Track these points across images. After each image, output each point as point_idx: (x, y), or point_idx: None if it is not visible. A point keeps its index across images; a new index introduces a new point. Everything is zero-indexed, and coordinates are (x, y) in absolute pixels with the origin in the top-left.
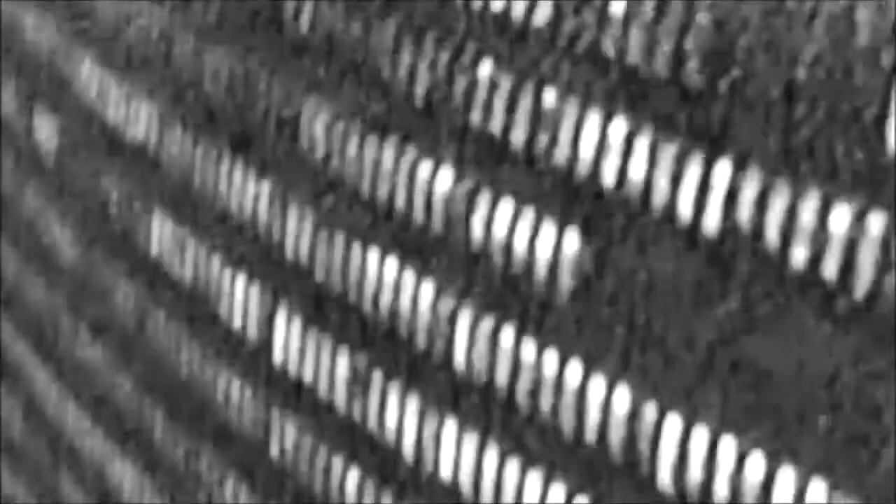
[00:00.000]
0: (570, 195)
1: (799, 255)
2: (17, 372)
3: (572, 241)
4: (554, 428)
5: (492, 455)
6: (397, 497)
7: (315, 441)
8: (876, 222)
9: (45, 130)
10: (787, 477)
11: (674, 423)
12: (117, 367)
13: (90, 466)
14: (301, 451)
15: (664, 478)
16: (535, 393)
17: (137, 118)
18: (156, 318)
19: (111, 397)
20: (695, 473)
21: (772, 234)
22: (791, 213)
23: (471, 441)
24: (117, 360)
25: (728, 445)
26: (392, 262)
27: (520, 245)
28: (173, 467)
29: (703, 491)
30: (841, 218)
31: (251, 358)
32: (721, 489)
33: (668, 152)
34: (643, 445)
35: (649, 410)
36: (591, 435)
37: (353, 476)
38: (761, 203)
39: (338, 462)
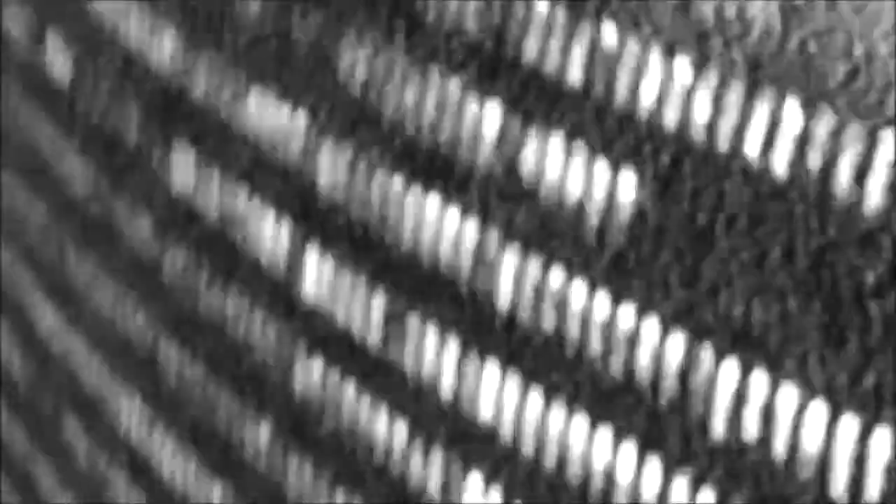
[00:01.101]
0: (628, 136)
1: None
2: (18, 308)
3: (628, 181)
4: (602, 372)
5: (535, 398)
6: (429, 439)
7: (342, 379)
8: None
9: (59, 58)
10: (850, 424)
11: (730, 368)
12: (129, 301)
13: (95, 406)
14: (327, 388)
15: (718, 426)
16: (584, 336)
17: (160, 45)
18: (174, 253)
19: (121, 333)
20: (751, 422)
21: (841, 177)
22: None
23: (513, 383)
24: (130, 295)
25: (789, 394)
26: (434, 199)
27: (573, 184)
28: (186, 402)
29: (760, 443)
30: None
31: (278, 294)
32: (780, 441)
33: (735, 94)
34: (698, 392)
35: (705, 355)
36: (642, 378)
37: (383, 415)
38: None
39: (366, 400)
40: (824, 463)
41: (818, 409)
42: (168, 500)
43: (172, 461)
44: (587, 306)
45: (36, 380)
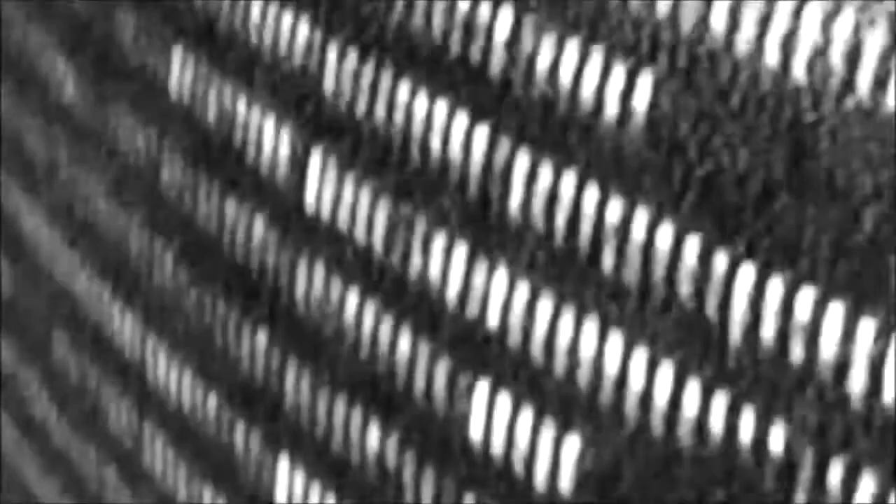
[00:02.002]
0: (644, 39)
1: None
2: (9, 221)
3: (645, 85)
4: (615, 280)
5: (545, 304)
6: (436, 345)
7: (344, 286)
8: None
9: None
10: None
11: (747, 273)
12: (123, 210)
13: (86, 319)
14: (330, 296)
15: (735, 332)
16: (596, 243)
17: None
18: (171, 160)
19: (114, 243)
20: (769, 328)
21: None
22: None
23: (524, 289)
24: (124, 204)
25: (806, 295)
26: (443, 104)
27: (587, 91)
28: (182, 312)
29: (778, 342)
30: None
31: (279, 202)
32: (797, 344)
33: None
34: (713, 296)
35: (720, 261)
36: (657, 285)
37: (387, 323)
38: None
39: (371, 308)
40: (843, 366)
41: (836, 311)
42: (162, 411)
43: (166, 373)
44: (600, 212)
45: (25, 295)
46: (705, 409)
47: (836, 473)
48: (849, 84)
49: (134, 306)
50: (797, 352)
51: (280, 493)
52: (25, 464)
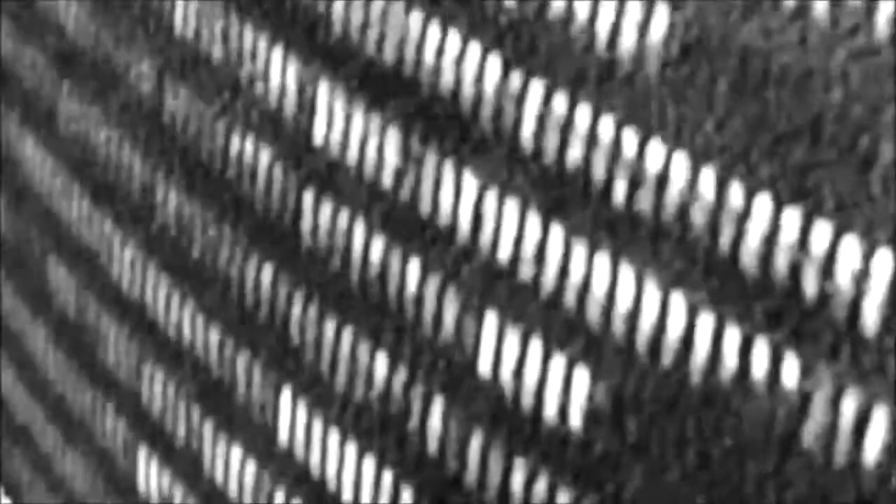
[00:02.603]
0: None
1: None
2: (6, 154)
3: (661, 17)
4: (630, 212)
5: (557, 233)
6: (445, 278)
7: (351, 220)
8: None
9: None
10: (821, 231)
11: (763, 204)
12: (126, 145)
13: (84, 252)
14: (336, 230)
15: (749, 260)
16: (609, 174)
17: None
18: (176, 91)
19: (117, 176)
20: (783, 258)
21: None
22: None
23: (534, 220)
24: (128, 137)
25: (821, 228)
26: (455, 34)
27: (603, 25)
28: (185, 245)
29: (791, 275)
30: None
31: (287, 136)
32: (810, 277)
33: None
34: (728, 227)
35: (734, 193)
36: (671, 218)
37: (396, 255)
38: None
39: (379, 242)
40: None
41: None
42: (163, 347)
43: (168, 306)
44: (615, 141)
45: (20, 228)
46: (717, 343)
47: (849, 408)
48: None
49: (135, 238)
50: (811, 285)
51: (283, 429)
52: (23, 405)
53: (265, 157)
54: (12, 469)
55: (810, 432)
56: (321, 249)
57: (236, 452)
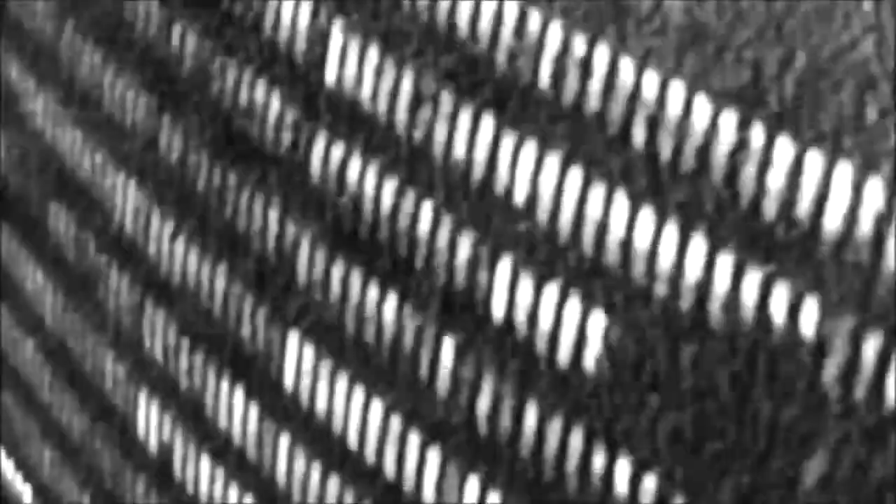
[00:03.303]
0: None
1: None
2: (7, 97)
3: None
4: (647, 152)
5: (574, 175)
6: (458, 219)
7: (364, 161)
8: None
9: None
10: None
11: (784, 146)
12: (131, 87)
13: (85, 195)
14: (346, 171)
15: (770, 203)
16: (628, 116)
17: None
18: (184, 33)
19: (120, 120)
20: (805, 202)
21: None
22: None
23: (553, 162)
24: (132, 76)
25: (843, 169)
26: None
27: None
28: (188, 187)
29: (813, 218)
30: None
31: (297, 76)
32: (832, 218)
33: None
34: (749, 169)
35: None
36: (690, 160)
37: (410, 196)
38: None
39: (391, 182)
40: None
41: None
42: (166, 290)
43: (172, 249)
44: (635, 84)
45: (21, 172)
46: (737, 284)
47: (870, 350)
48: None
49: (138, 180)
50: (832, 226)
51: (288, 373)
52: (20, 351)
53: (275, 97)
54: (8, 418)
55: (830, 373)
56: (330, 189)
57: (240, 396)
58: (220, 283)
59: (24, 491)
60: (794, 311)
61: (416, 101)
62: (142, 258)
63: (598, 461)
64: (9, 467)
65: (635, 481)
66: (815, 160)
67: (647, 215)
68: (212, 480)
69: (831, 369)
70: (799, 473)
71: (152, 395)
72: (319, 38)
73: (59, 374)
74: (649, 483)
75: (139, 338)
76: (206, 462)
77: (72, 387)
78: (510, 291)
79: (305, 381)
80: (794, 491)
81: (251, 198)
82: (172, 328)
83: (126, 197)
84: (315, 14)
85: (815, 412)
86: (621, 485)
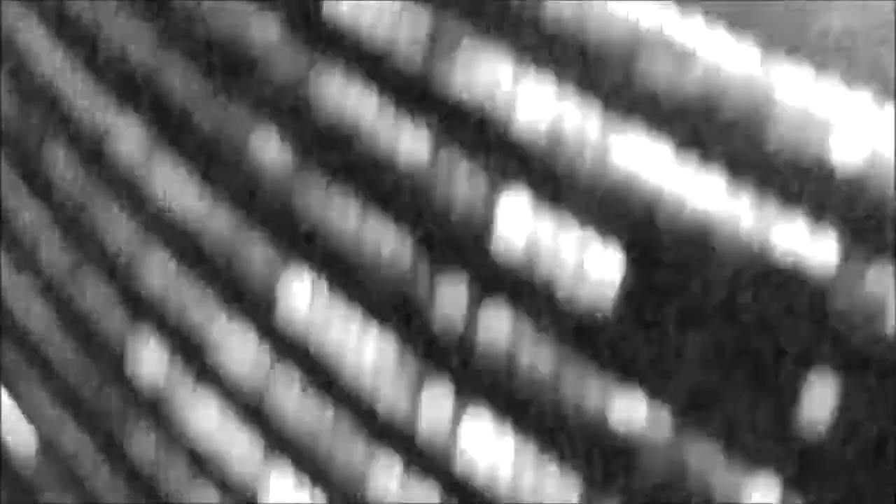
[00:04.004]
0: None
1: None
2: (7, 36)
3: None
4: (659, 89)
5: (595, 124)
6: (461, 150)
7: (363, 90)
8: None
9: None
10: None
11: (801, 75)
12: (134, 24)
13: (84, 132)
14: (347, 101)
15: (780, 137)
16: (632, 47)
17: None
18: None
19: (122, 57)
20: (816, 134)
21: None
22: None
23: (573, 103)
24: (135, 17)
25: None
26: None
27: None
28: (194, 123)
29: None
30: None
31: (295, 5)
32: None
33: None
34: (766, 105)
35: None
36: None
37: (408, 127)
38: None
39: (389, 112)
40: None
41: None
42: (167, 227)
43: (173, 184)
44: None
45: (20, 110)
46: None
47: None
48: None
49: (139, 116)
50: (846, 161)
51: (286, 305)
52: (15, 290)
53: (274, 29)
54: (6, 361)
55: (839, 303)
56: (332, 121)
57: (237, 329)
58: (221, 216)
59: (27, 432)
60: (805, 243)
61: (417, 34)
62: (143, 193)
63: (620, 402)
64: (11, 410)
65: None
66: (829, 86)
67: (664, 149)
68: (209, 418)
69: (842, 298)
70: (801, 389)
71: (149, 331)
72: None
73: (54, 312)
74: (665, 417)
75: (136, 273)
76: (204, 399)
77: (67, 324)
78: (514, 229)
79: (302, 313)
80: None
81: (251, 130)
82: (171, 263)
83: (126, 133)
84: None
85: (821, 332)
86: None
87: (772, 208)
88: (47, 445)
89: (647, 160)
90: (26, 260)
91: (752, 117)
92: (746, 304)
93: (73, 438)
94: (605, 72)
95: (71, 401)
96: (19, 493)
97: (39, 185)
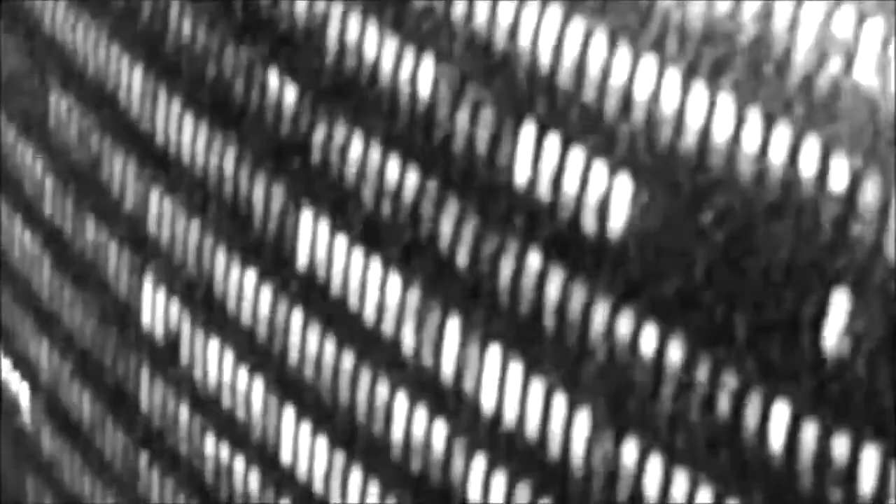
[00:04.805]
0: None
1: None
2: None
3: None
4: (680, 20)
5: (599, 37)
6: (481, 89)
7: (380, 31)
8: None
9: None
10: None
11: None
12: None
13: (89, 80)
14: (365, 41)
15: (797, 69)
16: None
17: None
18: None
19: (127, 2)
20: (834, 65)
21: None
22: None
23: (578, 27)
24: None
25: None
26: None
27: None
28: (201, 70)
29: (844, 72)
30: None
31: None
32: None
33: None
34: (780, 38)
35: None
36: (721, 27)
37: (427, 64)
38: None
39: (410, 51)
40: None
41: None
42: (175, 175)
43: (180, 132)
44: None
45: (21, 56)
46: (766, 141)
47: None
48: None
49: (146, 63)
50: (863, 81)
51: (302, 249)
52: (16, 241)
53: None
54: (4, 314)
55: (858, 223)
56: (349, 64)
57: (250, 277)
58: (229, 162)
59: (22, 389)
60: (823, 164)
61: None
62: (150, 142)
63: (625, 326)
64: (5, 365)
65: (662, 346)
66: (843, 16)
67: (673, 76)
68: (220, 364)
69: (860, 216)
70: (824, 313)
71: (159, 280)
72: None
73: (55, 260)
74: (675, 348)
75: (145, 222)
76: (214, 345)
77: (71, 277)
78: (534, 157)
79: (320, 257)
80: (819, 332)
81: (264, 75)
82: (181, 211)
83: (132, 80)
84: None
85: (841, 255)
86: (647, 349)
87: (787, 131)
88: (48, 398)
89: (661, 86)
90: (28, 211)
91: (768, 46)
92: (764, 227)
93: (73, 393)
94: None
95: (74, 352)
96: (20, 447)
97: (43, 134)
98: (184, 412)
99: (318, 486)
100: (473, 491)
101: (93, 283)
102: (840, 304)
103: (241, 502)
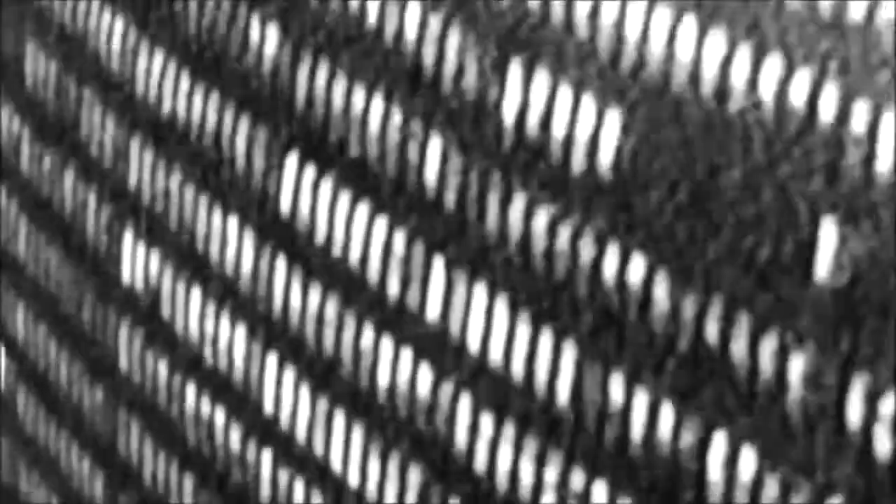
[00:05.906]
0: None
1: None
2: None
3: None
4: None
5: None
6: (468, 28)
7: None
8: None
9: None
10: None
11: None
12: None
13: (65, 29)
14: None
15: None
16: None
17: None
18: None
19: None
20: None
21: None
22: None
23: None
24: None
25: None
26: None
27: None
28: (182, 17)
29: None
30: None
31: None
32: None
33: None
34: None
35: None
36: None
37: (415, 8)
38: None
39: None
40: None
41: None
42: (154, 124)
43: (162, 80)
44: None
45: None
46: (756, 71)
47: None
48: None
49: (125, 11)
50: (855, 17)
51: (285, 197)
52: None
53: None
54: None
55: (851, 154)
56: (332, 9)
57: (233, 225)
58: (211, 109)
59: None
60: (813, 98)
61: None
62: (129, 91)
63: (611, 262)
64: None
65: (648, 280)
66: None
67: (664, 14)
68: (202, 315)
69: (851, 153)
70: (813, 247)
71: (138, 234)
72: None
73: (36, 222)
74: (661, 281)
75: (124, 176)
76: (196, 296)
77: (50, 233)
78: (522, 95)
79: (303, 204)
80: (810, 268)
81: (246, 26)
82: (162, 162)
83: (111, 29)
84: None
85: (833, 190)
86: (634, 284)
87: (778, 62)
88: (23, 358)
89: (653, 30)
90: (4, 164)
91: None
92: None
93: (50, 351)
94: None
95: (52, 311)
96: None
97: (18, 89)
98: (163, 367)
99: (301, 434)
100: (460, 433)
101: (73, 237)
102: (829, 233)
103: (223, 455)
